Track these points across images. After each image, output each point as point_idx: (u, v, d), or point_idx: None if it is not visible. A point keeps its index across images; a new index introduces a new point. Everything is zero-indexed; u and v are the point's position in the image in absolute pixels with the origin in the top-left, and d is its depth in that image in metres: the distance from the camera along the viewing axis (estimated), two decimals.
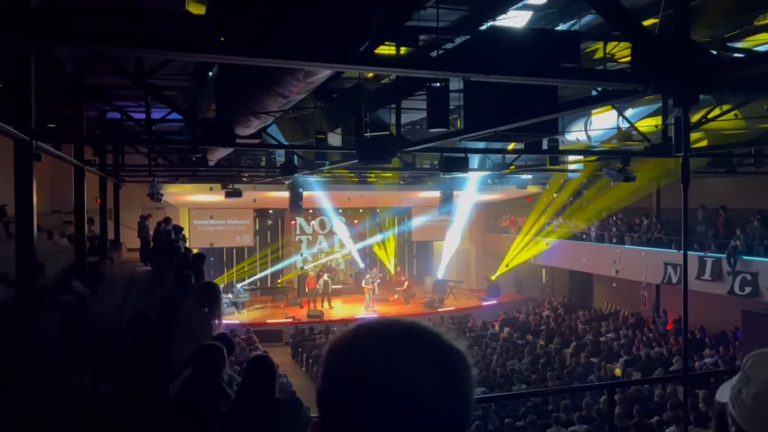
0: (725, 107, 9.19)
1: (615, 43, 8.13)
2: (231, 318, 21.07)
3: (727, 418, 1.35)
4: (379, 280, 25.14)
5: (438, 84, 7.02)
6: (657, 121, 9.84)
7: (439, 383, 0.87)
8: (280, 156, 15.82)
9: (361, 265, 27.22)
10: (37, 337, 6.02)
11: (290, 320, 22.46)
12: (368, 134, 8.64)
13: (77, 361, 6.16)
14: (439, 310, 24.00)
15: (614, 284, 22.88)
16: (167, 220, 14.07)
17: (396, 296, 25.80)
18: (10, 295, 6.81)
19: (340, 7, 3.97)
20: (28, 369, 5.23)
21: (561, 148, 12.10)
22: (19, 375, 5.04)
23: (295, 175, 14.10)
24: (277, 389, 3.92)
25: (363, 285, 24.92)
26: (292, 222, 27.68)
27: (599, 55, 8.38)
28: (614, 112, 10.35)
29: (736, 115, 9.75)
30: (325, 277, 24.89)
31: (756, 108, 9.78)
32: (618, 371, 15.51)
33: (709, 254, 16.46)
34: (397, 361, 0.87)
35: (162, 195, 17.38)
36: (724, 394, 1.38)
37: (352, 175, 20.07)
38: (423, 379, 0.86)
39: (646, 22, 5.45)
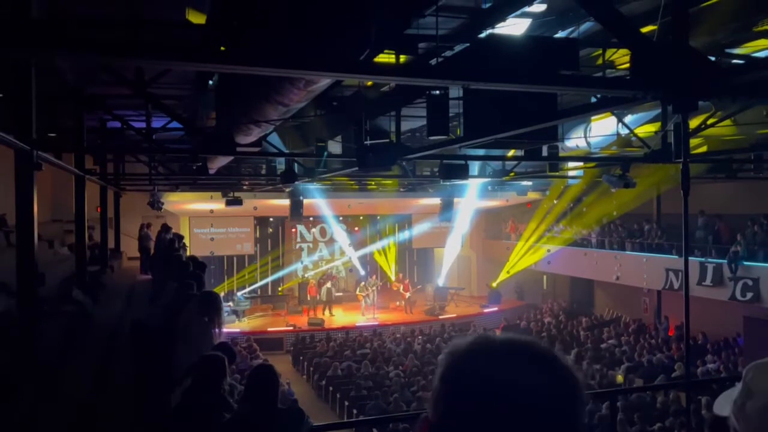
0: (721, 113, 9.20)
1: (614, 50, 8.15)
2: (231, 326, 21.04)
3: (727, 431, 1.30)
4: (376, 287, 25.08)
5: (437, 92, 7.03)
6: (657, 127, 9.85)
7: (564, 409, 0.92)
8: (280, 164, 15.85)
9: (362, 272, 27.20)
10: (38, 346, 6.01)
11: (291, 328, 22.41)
12: (368, 142, 8.65)
13: (78, 370, 6.15)
14: (440, 317, 23.95)
15: (616, 290, 22.85)
16: (166, 228, 14.08)
17: (399, 303, 25.75)
18: (10, 304, 6.80)
19: (339, 15, 3.98)
20: (30, 378, 5.22)
21: (561, 154, 12.11)
22: (21, 385, 5.03)
23: (296, 183, 14.12)
24: (279, 399, 3.91)
25: (357, 292, 24.97)
26: (293, 230, 27.67)
27: (602, 61, 8.41)
28: (614, 119, 10.37)
29: (735, 120, 9.77)
30: (328, 284, 24.88)
31: (755, 113, 9.79)
32: (620, 378, 15.47)
33: (710, 260, 16.45)
34: (528, 384, 0.92)
35: (162, 203, 17.39)
36: (722, 407, 1.34)
37: (353, 182, 20.09)
38: (552, 406, 0.91)
39: (645, 29, 5.47)
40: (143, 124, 10.36)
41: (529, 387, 0.91)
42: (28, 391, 5.01)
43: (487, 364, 0.94)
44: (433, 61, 6.68)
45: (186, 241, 17.30)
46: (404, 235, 28.72)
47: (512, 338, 0.99)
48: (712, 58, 5.25)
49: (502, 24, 6.77)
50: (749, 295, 15.22)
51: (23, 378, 5.17)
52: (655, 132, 9.85)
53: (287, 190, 17.80)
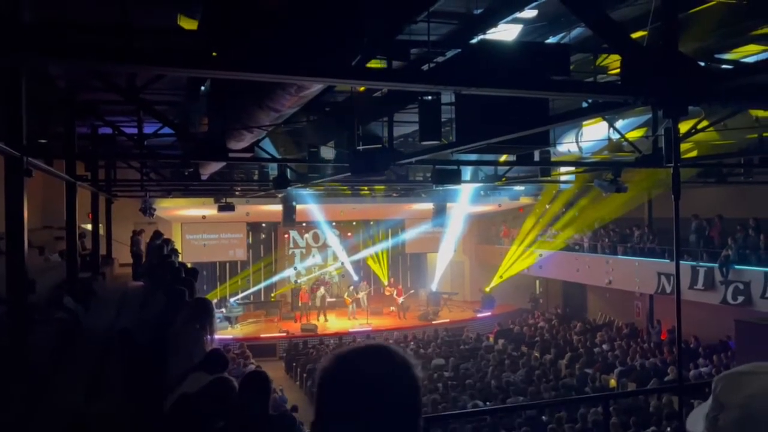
0: (711, 117, 9.26)
1: (605, 55, 8.19)
2: (224, 333, 20.96)
3: None
4: (366, 293, 25.08)
5: (430, 97, 7.04)
6: (647, 131, 9.90)
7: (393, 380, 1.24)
8: (272, 169, 15.82)
9: (355, 277, 27.16)
10: (29, 354, 5.96)
11: (284, 334, 22.35)
12: (361, 147, 8.65)
13: (70, 378, 6.11)
14: (434, 322, 23.94)
15: (607, 294, 22.92)
16: (158, 234, 14.01)
17: (392, 308, 25.74)
18: (1, 312, 6.75)
19: (331, 21, 3.99)
20: (21, 387, 5.17)
21: (553, 159, 12.15)
22: (12, 393, 4.98)
23: (288, 188, 14.09)
24: (270, 406, 3.89)
25: (345, 296, 24.97)
26: (286, 235, 27.62)
27: (593, 66, 8.43)
28: (605, 124, 10.42)
29: (725, 124, 9.83)
30: (322, 290, 24.84)
31: (744, 118, 9.86)
32: (613, 382, 15.50)
33: (701, 263, 16.52)
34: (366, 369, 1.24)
35: (154, 210, 17.32)
36: (695, 423, 1.29)
37: (345, 188, 20.09)
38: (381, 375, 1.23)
39: (635, 35, 5.50)
40: (135, 130, 10.33)
41: (373, 375, 1.21)
42: (19, 399, 4.97)
43: (344, 364, 1.26)
44: (425, 67, 6.70)
45: (178, 247, 17.21)
46: (397, 240, 28.72)
47: (364, 344, 1.33)
48: (702, 64, 5.29)
49: (493, 30, 6.79)
50: (740, 298, 15.29)
51: (14, 386, 5.12)
52: (645, 136, 9.90)
53: (280, 195, 17.79)
